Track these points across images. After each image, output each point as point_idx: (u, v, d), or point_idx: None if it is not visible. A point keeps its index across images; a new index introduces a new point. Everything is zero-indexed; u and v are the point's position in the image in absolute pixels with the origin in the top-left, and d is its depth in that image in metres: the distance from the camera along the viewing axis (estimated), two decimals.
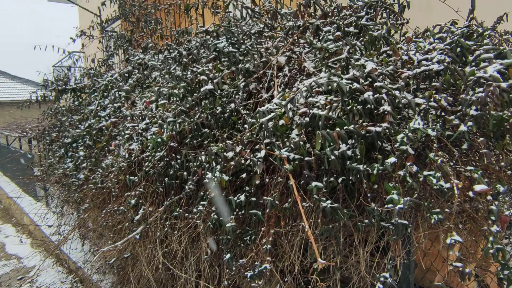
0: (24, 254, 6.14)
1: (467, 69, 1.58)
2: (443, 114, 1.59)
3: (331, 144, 1.47)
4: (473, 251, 1.95)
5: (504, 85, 1.43)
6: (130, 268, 2.97)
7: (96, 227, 3.02)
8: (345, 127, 1.48)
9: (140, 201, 2.40)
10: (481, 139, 1.39)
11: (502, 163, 1.49)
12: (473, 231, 1.97)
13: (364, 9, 2.10)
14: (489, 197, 1.29)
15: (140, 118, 2.60)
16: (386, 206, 1.40)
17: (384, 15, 2.28)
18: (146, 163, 2.34)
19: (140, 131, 2.50)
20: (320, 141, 1.51)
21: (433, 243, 2.12)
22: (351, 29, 1.98)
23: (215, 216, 1.98)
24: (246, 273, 1.80)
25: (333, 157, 1.48)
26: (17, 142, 9.37)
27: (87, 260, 4.30)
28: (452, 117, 1.52)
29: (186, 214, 2.21)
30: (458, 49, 1.68)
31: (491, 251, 1.20)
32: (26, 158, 6.93)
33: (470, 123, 1.40)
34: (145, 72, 2.99)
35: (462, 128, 1.42)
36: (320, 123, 1.55)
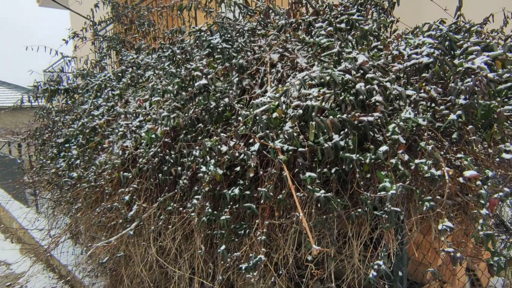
0: (13, 260, 6.03)
1: (456, 61, 1.63)
2: (433, 105, 1.63)
3: (325, 131, 1.50)
4: (464, 241, 1.99)
5: (491, 75, 1.47)
6: (123, 268, 2.95)
7: (89, 227, 3.00)
8: (338, 116, 1.50)
9: (134, 197, 2.40)
10: (470, 126, 1.43)
11: (491, 151, 1.53)
12: (465, 222, 2.01)
13: (355, 7, 2.15)
14: (478, 182, 1.32)
15: (134, 115, 2.61)
16: (378, 193, 1.43)
17: (375, 13, 2.34)
18: (140, 159, 2.34)
19: (133, 128, 2.50)
20: (313, 131, 1.54)
21: (425, 236, 2.15)
22: (343, 25, 2.03)
23: (209, 210, 1.98)
24: (240, 266, 1.81)
25: (326, 145, 1.51)
26: (7, 147, 9.26)
27: (79, 263, 4.25)
28: (442, 107, 1.55)
29: (180, 209, 2.21)
30: (447, 43, 1.72)
31: (480, 233, 1.23)
32: (16, 163, 6.85)
33: (459, 112, 1.44)
34: (139, 71, 3.00)
35: (452, 117, 1.46)
36: (313, 114, 1.58)
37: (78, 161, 2.88)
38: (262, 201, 1.77)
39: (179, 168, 2.21)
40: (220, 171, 1.92)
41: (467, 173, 1.34)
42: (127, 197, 2.37)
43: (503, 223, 2.99)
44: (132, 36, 4.18)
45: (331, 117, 1.49)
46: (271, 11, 2.45)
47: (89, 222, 3.00)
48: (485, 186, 1.28)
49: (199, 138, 2.15)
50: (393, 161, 1.46)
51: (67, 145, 3.20)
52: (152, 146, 2.30)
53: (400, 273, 1.95)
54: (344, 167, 1.59)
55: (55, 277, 5.20)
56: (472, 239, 1.34)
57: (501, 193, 1.24)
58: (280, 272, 2.00)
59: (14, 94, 18.84)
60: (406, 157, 1.46)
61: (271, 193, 1.76)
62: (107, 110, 2.96)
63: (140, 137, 2.41)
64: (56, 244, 3.70)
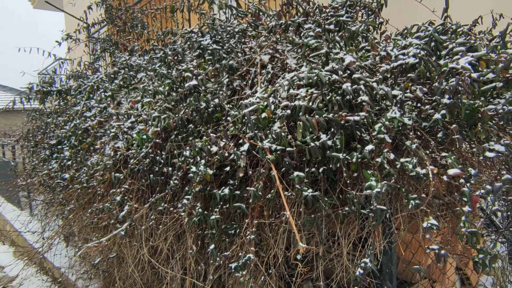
0: (6, 263, 6.00)
1: (441, 62, 1.65)
2: (419, 105, 1.65)
3: (311, 130, 1.52)
4: (451, 238, 2.01)
5: (474, 75, 1.50)
6: (116, 269, 2.95)
7: (82, 228, 3.00)
8: (324, 115, 1.52)
9: (126, 198, 2.41)
10: (454, 125, 1.45)
11: (475, 149, 1.55)
12: (453, 221, 2.03)
13: (344, 8, 2.18)
14: (462, 180, 1.34)
15: (126, 116, 2.62)
16: (364, 191, 1.45)
17: (364, 16, 2.37)
18: (132, 160, 2.35)
19: (125, 129, 2.51)
20: (301, 130, 1.55)
21: (414, 234, 2.17)
22: (331, 26, 2.05)
23: (200, 210, 1.99)
24: (230, 265, 1.82)
25: (313, 144, 1.52)
26: (0, 150, 9.22)
27: (72, 265, 4.24)
28: (428, 106, 1.58)
29: (171, 209, 2.22)
30: (433, 44, 1.75)
31: (463, 229, 1.25)
32: (9, 165, 6.82)
33: (443, 111, 1.46)
34: (131, 73, 3.01)
35: (436, 116, 1.48)
36: (300, 113, 1.60)
37: (70, 162, 2.88)
38: (251, 201, 1.78)
39: (170, 168, 2.22)
40: (210, 171, 1.94)
41: (451, 171, 1.36)
42: (118, 198, 2.37)
43: (493, 223, 3.02)
44: (126, 38, 4.19)
45: (316, 116, 1.51)
46: (261, 13, 2.48)
47: (81, 223, 3.01)
48: (468, 184, 1.30)
49: (190, 138, 2.16)
50: (379, 160, 1.48)
51: (59, 146, 3.20)
52: (143, 147, 2.31)
53: (389, 272, 1.97)
54: (331, 166, 1.61)
55: (49, 280, 5.17)
56: (462, 238, 1.36)
57: (482, 191, 1.27)
58: (270, 271, 2.01)
59: (8, 96, 18.73)
60: (392, 156, 1.48)
61: (260, 193, 1.77)
62: (99, 112, 2.97)
63: (131, 138, 2.42)
64: (49, 247, 3.69)
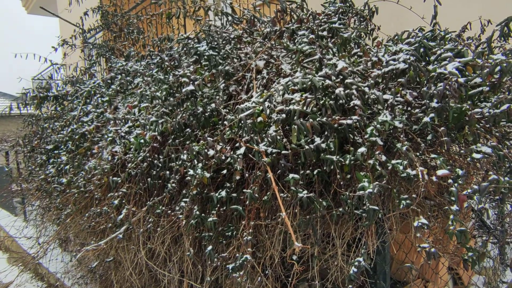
0: (0, 269, 5.95)
1: (430, 67, 1.72)
2: (409, 108, 1.72)
3: (305, 133, 1.57)
4: (442, 238, 2.06)
5: (461, 80, 1.56)
6: (113, 273, 2.96)
7: (79, 232, 3.02)
8: (318, 119, 1.58)
9: (123, 201, 2.44)
10: (442, 128, 1.51)
11: (463, 151, 1.61)
12: (444, 222, 2.09)
13: (337, 15, 2.24)
14: (450, 181, 1.40)
15: (123, 121, 2.65)
16: (357, 192, 1.50)
17: (356, 22, 2.44)
18: (129, 164, 2.38)
19: (123, 134, 2.55)
20: (295, 134, 1.61)
21: (407, 235, 2.23)
22: (325, 33, 2.11)
23: (197, 213, 2.03)
24: (227, 266, 1.86)
25: (307, 147, 1.58)
26: None
27: (68, 271, 4.24)
28: (417, 110, 1.64)
29: (169, 212, 2.25)
30: (422, 50, 1.82)
31: (451, 227, 1.31)
32: (3, 171, 6.80)
33: (432, 115, 1.52)
34: (128, 78, 3.05)
35: (425, 119, 1.54)
36: (295, 117, 1.65)
37: (67, 167, 2.91)
38: (247, 203, 1.83)
39: (168, 172, 2.26)
40: (207, 174, 1.98)
41: (439, 172, 1.42)
42: (116, 202, 2.40)
43: (485, 224, 3.09)
44: (122, 44, 4.23)
45: (310, 120, 1.57)
46: (256, 19, 2.53)
47: (78, 227, 3.02)
48: (456, 184, 1.36)
49: (187, 142, 2.20)
50: (371, 161, 1.53)
51: (56, 151, 3.23)
52: (141, 151, 2.34)
53: (383, 272, 2.02)
54: (325, 168, 1.66)
55: (44, 286, 5.15)
56: (453, 237, 1.42)
57: (469, 190, 1.32)
58: (267, 272, 2.05)
59: (2, 102, 18.63)
60: (383, 157, 1.54)
61: (256, 195, 1.81)
62: (96, 117, 3.00)
63: (129, 143, 2.46)
64: (45, 252, 3.68)
